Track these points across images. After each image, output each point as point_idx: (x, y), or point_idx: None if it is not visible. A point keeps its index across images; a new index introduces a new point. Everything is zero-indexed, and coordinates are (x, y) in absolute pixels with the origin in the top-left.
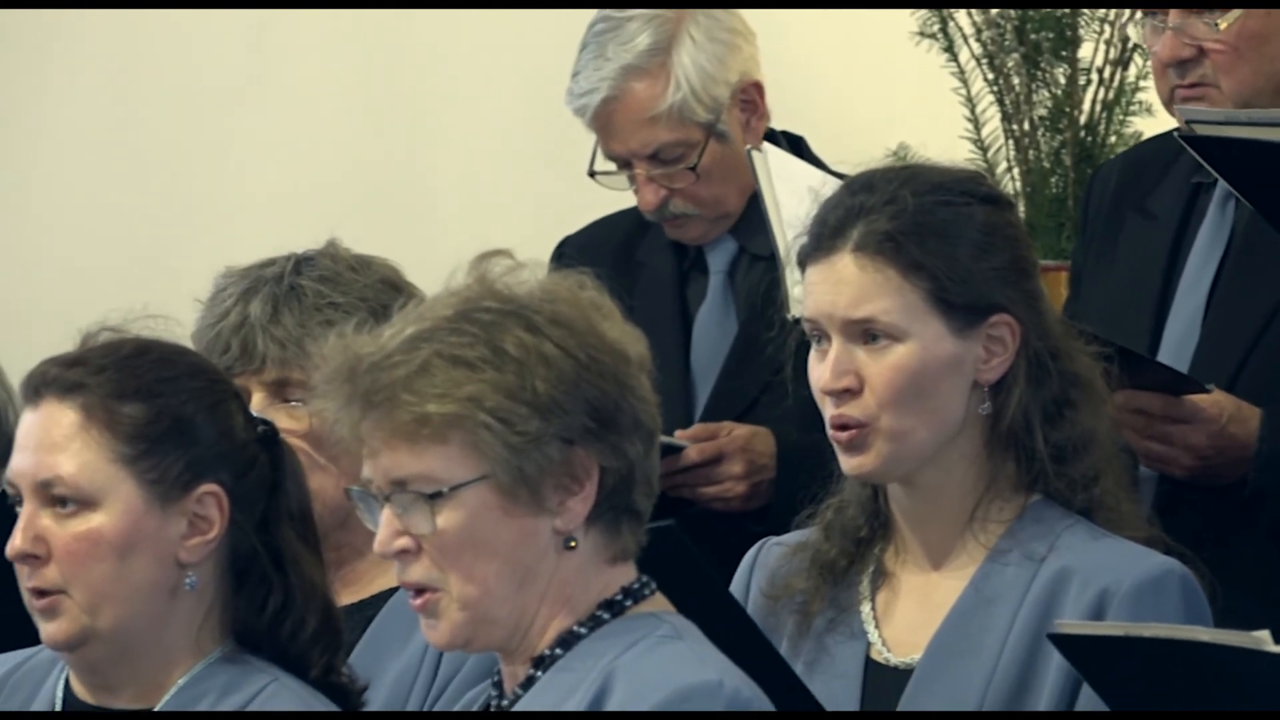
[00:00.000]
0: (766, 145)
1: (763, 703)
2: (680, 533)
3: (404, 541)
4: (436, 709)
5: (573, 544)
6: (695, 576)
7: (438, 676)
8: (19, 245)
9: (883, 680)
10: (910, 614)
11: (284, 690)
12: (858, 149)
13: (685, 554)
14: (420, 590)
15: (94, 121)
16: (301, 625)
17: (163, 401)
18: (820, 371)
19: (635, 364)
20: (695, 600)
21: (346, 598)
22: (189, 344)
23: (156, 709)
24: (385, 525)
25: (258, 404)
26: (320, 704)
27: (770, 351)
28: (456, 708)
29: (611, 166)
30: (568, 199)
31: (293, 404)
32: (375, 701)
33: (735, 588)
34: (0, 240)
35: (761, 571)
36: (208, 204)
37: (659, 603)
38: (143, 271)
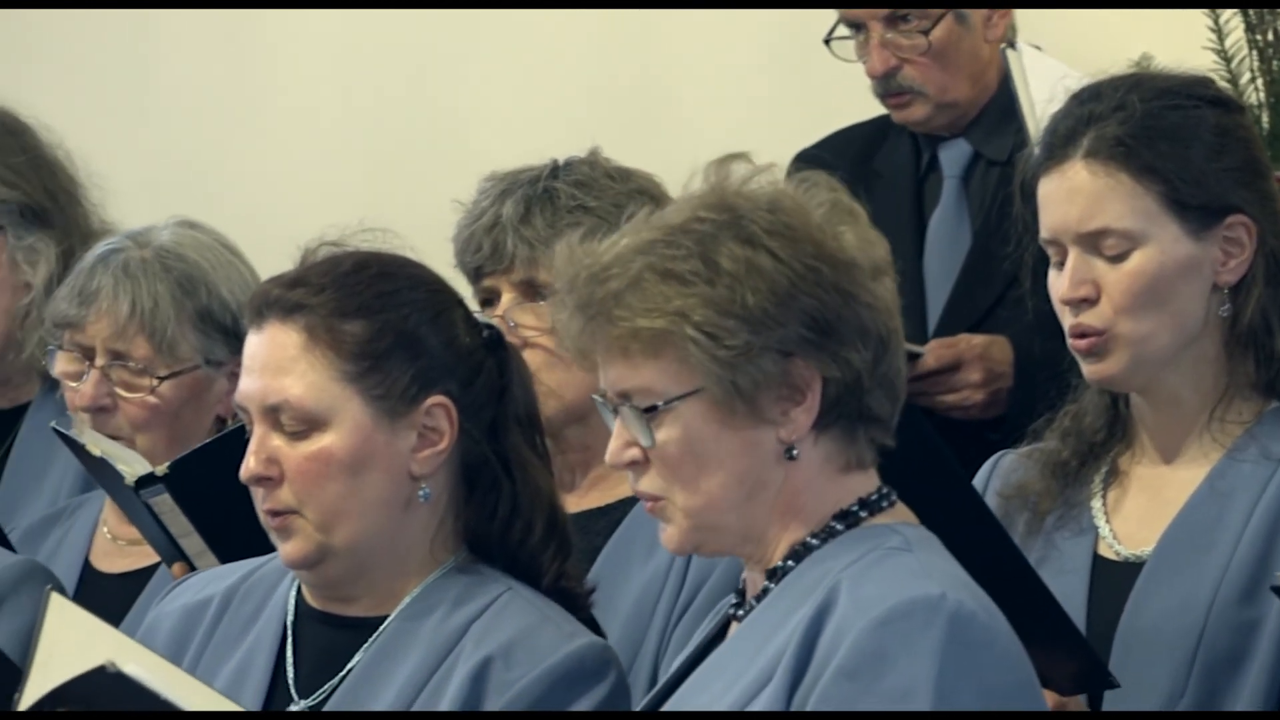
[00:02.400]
0: (1021, 44)
1: (988, 616)
2: (916, 409)
3: (633, 453)
4: (686, 618)
5: (794, 454)
6: (929, 453)
7: (685, 585)
8: (258, 159)
9: (1111, 575)
10: (1142, 508)
11: (517, 599)
12: (1099, 60)
13: (920, 430)
14: (651, 498)
15: (331, 28)
16: (529, 530)
17: (384, 317)
18: (1059, 282)
19: (866, 270)
20: (928, 479)
21: (592, 501)
22: (437, 250)
23: (390, 617)
24: (616, 436)
25: (506, 303)
26: (553, 612)
27: (1006, 267)
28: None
29: (847, 34)
30: (806, 111)
31: (540, 303)
32: (623, 608)
33: None
34: (239, 155)
35: (997, 478)
36: (450, 109)
37: (898, 514)
38: (384, 184)
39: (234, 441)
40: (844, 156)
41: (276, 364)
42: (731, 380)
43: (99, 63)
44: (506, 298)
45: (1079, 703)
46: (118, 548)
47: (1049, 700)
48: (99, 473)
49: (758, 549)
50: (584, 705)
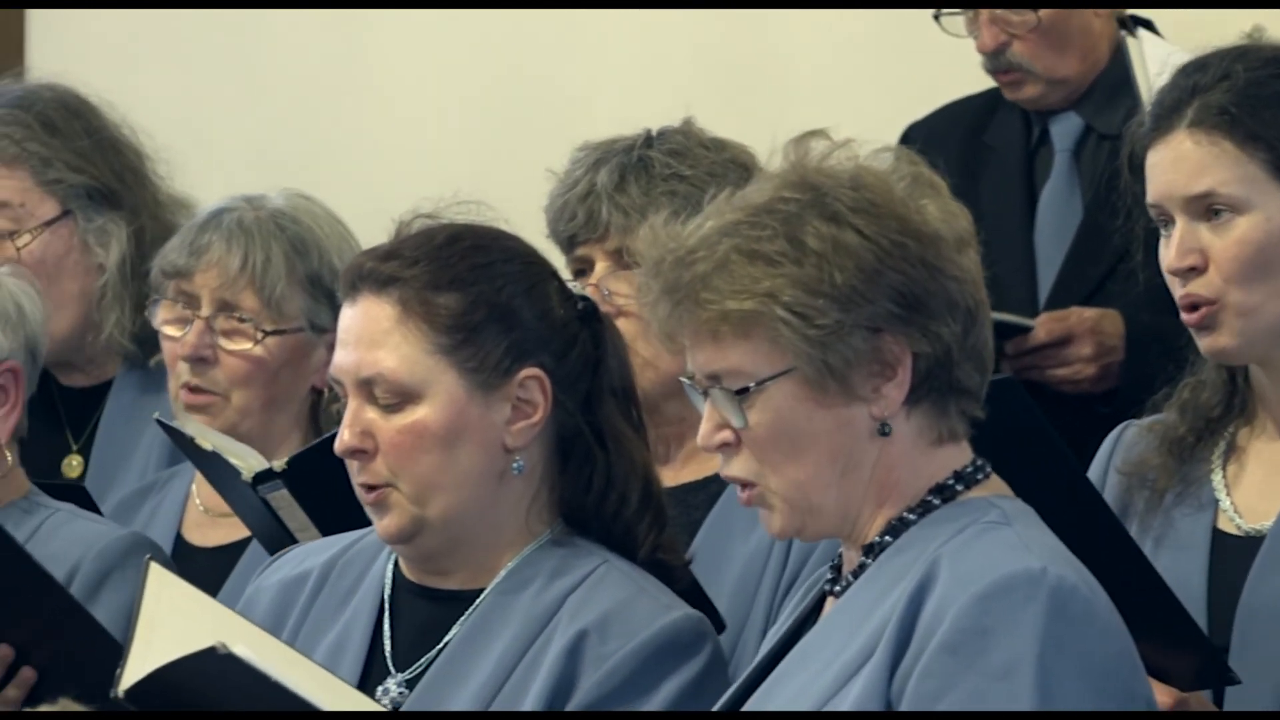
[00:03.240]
0: (1142, 31)
1: (1090, 589)
2: (1019, 385)
3: (724, 435)
4: (792, 594)
5: (887, 430)
6: (1033, 429)
7: (790, 558)
8: (367, 126)
9: (1230, 550)
10: (1261, 481)
11: (613, 572)
12: (1211, 33)
13: (1024, 406)
14: (745, 484)
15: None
16: (624, 502)
17: (478, 289)
18: (1166, 252)
19: (952, 243)
20: (1031, 455)
21: (689, 474)
22: (503, 228)
23: (487, 590)
24: (706, 420)
25: (599, 272)
26: (649, 584)
27: (1117, 241)
28: (800, 593)
29: (956, 10)
30: (917, 84)
31: (634, 271)
32: (726, 583)
33: (1095, 468)
34: (344, 132)
35: (1120, 451)
36: (561, 81)
37: (993, 486)
38: (487, 152)
39: None
40: (955, 130)
41: (370, 337)
42: (823, 359)
43: (210, 42)
44: (600, 266)
45: (1201, 700)
46: (210, 519)
47: (1167, 697)
48: (207, 466)
49: (854, 527)
50: (679, 679)
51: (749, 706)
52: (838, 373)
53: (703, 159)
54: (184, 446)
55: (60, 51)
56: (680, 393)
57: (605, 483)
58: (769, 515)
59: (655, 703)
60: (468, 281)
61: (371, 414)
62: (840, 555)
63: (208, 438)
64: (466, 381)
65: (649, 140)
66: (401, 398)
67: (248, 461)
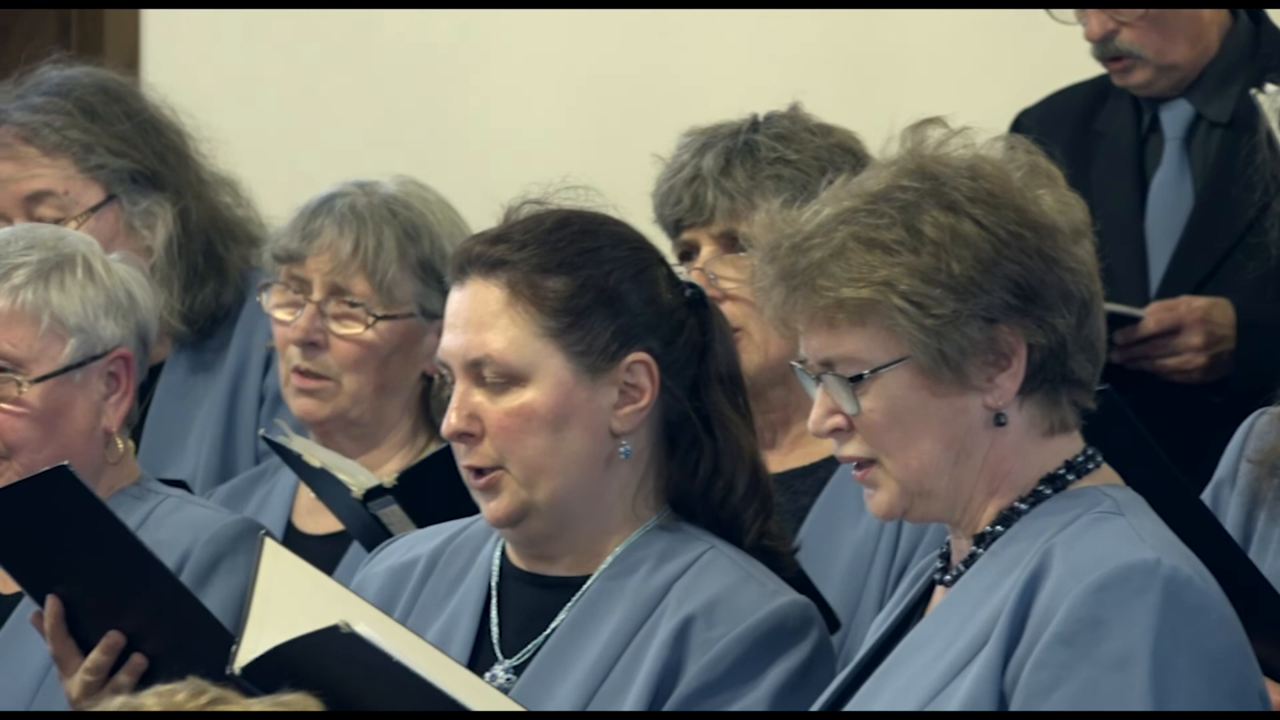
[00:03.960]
0: (1270, 87)
1: (1204, 581)
2: (1116, 395)
3: (836, 420)
4: (901, 581)
5: (1003, 420)
6: (1132, 439)
7: (900, 543)
8: (479, 112)
9: None
10: None
11: (719, 558)
12: None
13: (1122, 417)
14: (861, 464)
15: None
16: (731, 488)
17: (586, 273)
18: None
19: (1068, 234)
20: (1133, 464)
21: (796, 460)
22: (611, 214)
23: (593, 576)
24: (819, 404)
25: (705, 256)
26: (757, 570)
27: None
28: (908, 581)
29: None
30: (1027, 71)
31: (740, 255)
32: (836, 569)
33: (1228, 457)
34: (458, 115)
35: (1253, 439)
36: (670, 68)
37: (1104, 475)
38: (609, 135)
39: None
40: (1065, 117)
41: (479, 320)
42: (938, 348)
43: (324, 30)
44: (706, 250)
45: None
46: (320, 506)
47: None
48: (316, 482)
49: (964, 515)
50: (785, 665)
51: (858, 697)
52: (952, 362)
53: (809, 144)
54: (291, 463)
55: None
56: (786, 378)
57: (712, 469)
58: (874, 494)
59: (761, 688)
60: (576, 265)
61: (479, 397)
62: (949, 543)
63: (315, 454)
64: (574, 365)
65: (755, 125)
66: (509, 380)
67: (357, 478)
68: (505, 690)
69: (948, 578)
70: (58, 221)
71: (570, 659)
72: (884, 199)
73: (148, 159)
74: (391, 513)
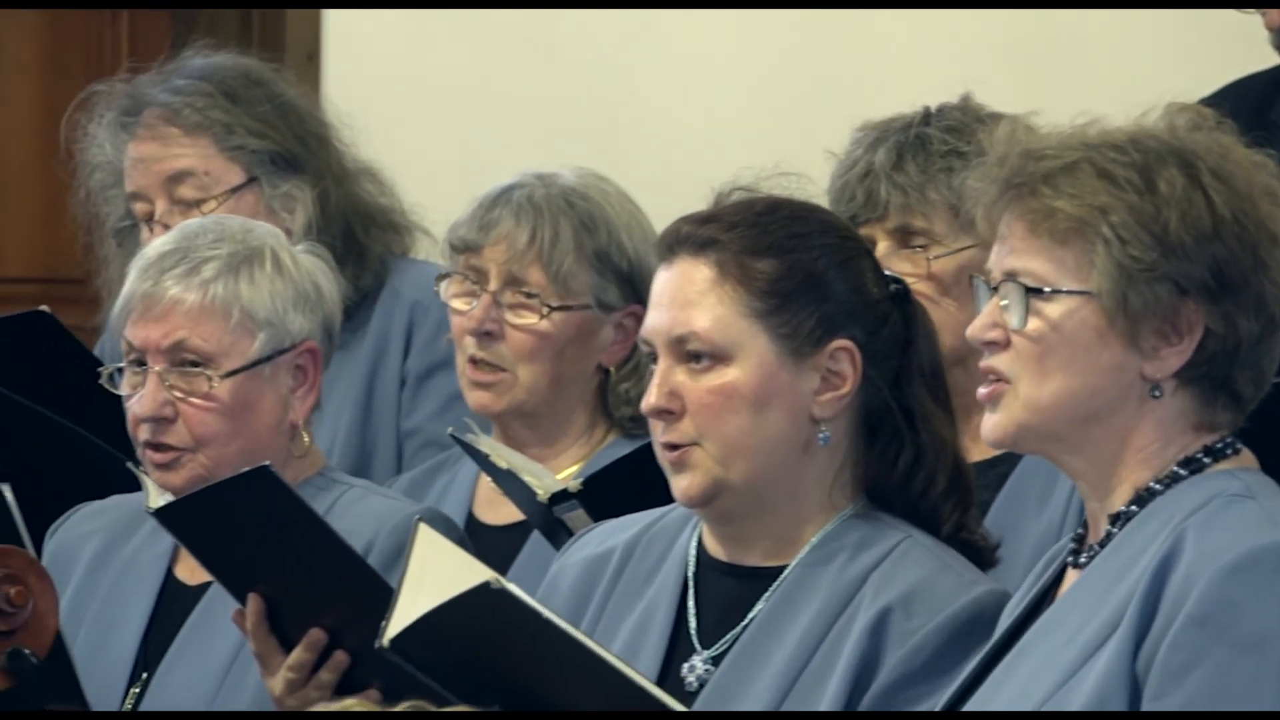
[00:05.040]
0: None
1: None
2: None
3: (996, 333)
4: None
5: (1158, 394)
6: None
7: None
8: (657, 105)
9: None
10: None
11: (916, 547)
12: None
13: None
14: (994, 381)
15: None
16: (932, 482)
17: (795, 257)
18: None
19: None
20: None
21: (977, 454)
22: (821, 202)
23: (790, 565)
24: (985, 314)
25: (880, 252)
26: (954, 560)
27: None
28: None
29: None
30: (1208, 61)
31: (914, 250)
32: (1018, 564)
33: None
34: (638, 107)
35: None
36: (843, 61)
37: (1242, 459)
38: (784, 128)
39: (645, 456)
40: (1241, 107)
41: (685, 297)
42: (1124, 292)
43: (504, 21)
44: (881, 245)
45: None
46: (501, 497)
47: None
48: (504, 483)
49: (1100, 482)
50: (983, 655)
51: (989, 682)
52: (1132, 313)
53: (980, 135)
54: (479, 461)
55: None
56: (963, 363)
57: (913, 461)
58: (992, 417)
59: (960, 679)
60: (785, 249)
61: (681, 376)
62: (1084, 526)
63: (502, 455)
64: (778, 347)
65: (927, 118)
66: (713, 358)
67: (543, 481)
68: (704, 682)
69: (1081, 560)
70: (197, 202)
71: (768, 650)
72: (1131, 142)
73: (288, 142)
74: (576, 516)
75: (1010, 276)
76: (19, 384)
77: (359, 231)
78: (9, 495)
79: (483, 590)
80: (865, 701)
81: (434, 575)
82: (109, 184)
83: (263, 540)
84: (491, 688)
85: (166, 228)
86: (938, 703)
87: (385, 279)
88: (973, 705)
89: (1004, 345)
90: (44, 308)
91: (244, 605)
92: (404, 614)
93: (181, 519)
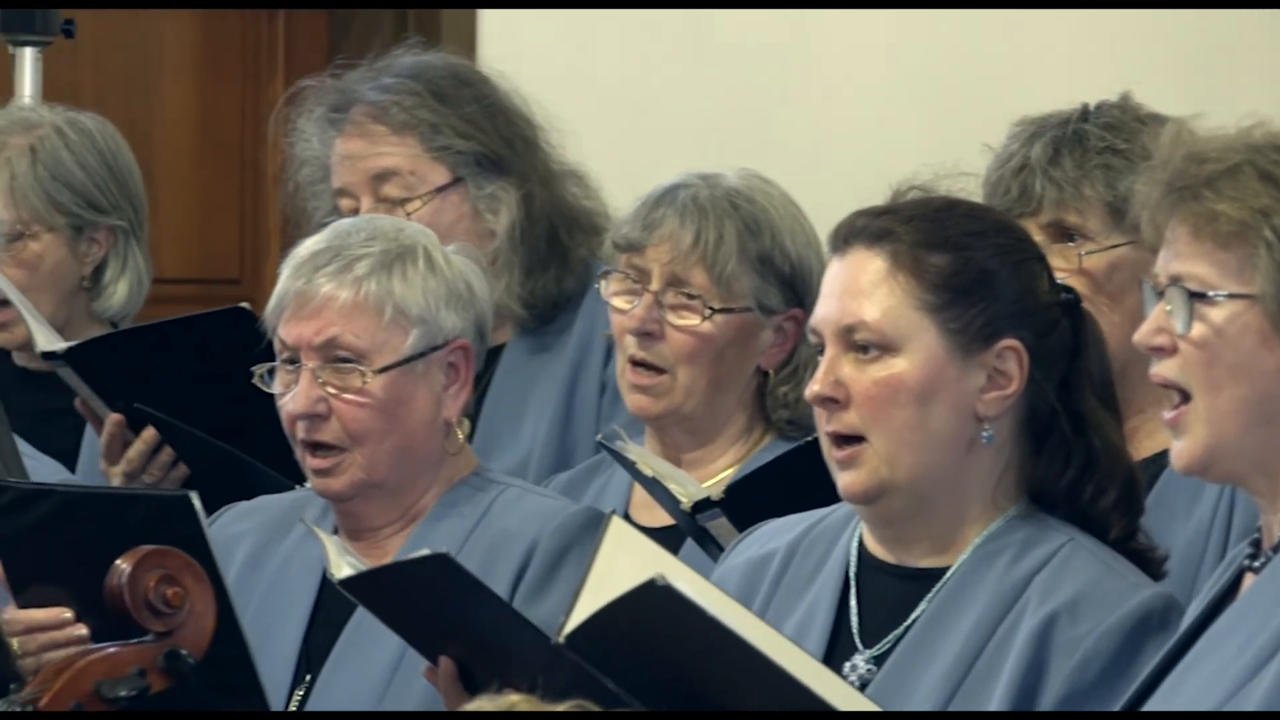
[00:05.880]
0: None
1: None
2: None
3: (1162, 338)
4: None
5: None
6: None
7: (1230, 539)
8: (814, 104)
9: None
10: None
11: (1080, 550)
12: None
13: None
14: (1180, 400)
15: None
16: (1103, 492)
17: (968, 254)
18: None
19: None
20: None
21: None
22: (977, 198)
23: (953, 566)
24: (1152, 318)
25: None
26: (1118, 564)
27: None
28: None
29: None
30: None
31: (1068, 245)
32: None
33: None
34: (793, 105)
35: None
36: (1001, 59)
37: None
38: (941, 128)
39: (789, 463)
40: None
41: (857, 287)
42: None
43: (662, 21)
44: (1035, 240)
45: None
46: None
47: None
48: (652, 490)
49: (1272, 487)
50: (1152, 658)
51: (1163, 688)
52: None
53: (1139, 133)
54: (628, 469)
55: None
56: (1121, 370)
57: (1083, 468)
58: (1180, 443)
59: (1137, 682)
60: (960, 245)
61: (847, 366)
62: (1260, 530)
63: (649, 463)
64: (947, 342)
65: (1085, 114)
66: (881, 349)
67: (687, 489)
68: (866, 682)
69: (1257, 564)
70: (402, 201)
71: (932, 652)
72: None
73: (494, 143)
74: (720, 525)
75: (1175, 281)
76: (217, 379)
77: (563, 234)
78: (198, 504)
79: (649, 588)
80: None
81: (620, 573)
82: (317, 179)
83: (445, 614)
84: (664, 686)
85: None
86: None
87: (588, 282)
88: (1151, 708)
89: (1170, 351)
90: (244, 304)
91: (431, 662)
92: (581, 611)
93: (366, 589)
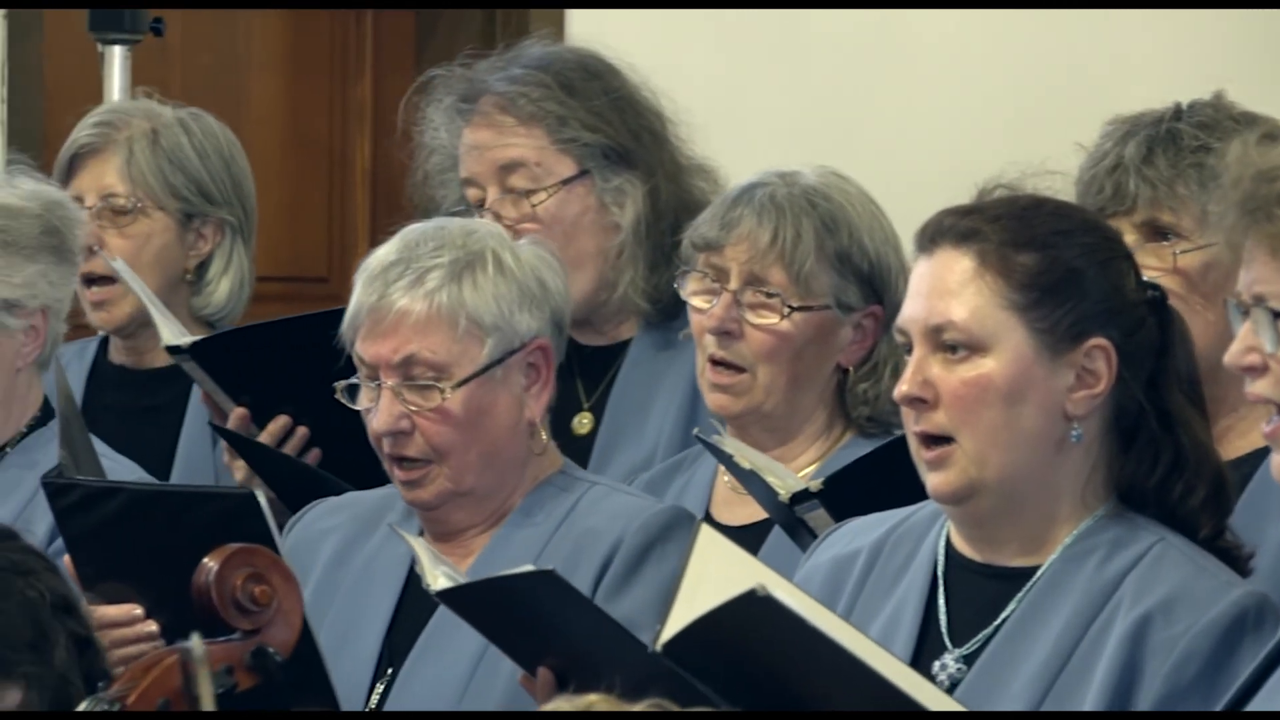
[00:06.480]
0: None
1: None
2: None
3: (1252, 358)
4: None
5: None
6: None
7: None
8: (904, 103)
9: None
10: None
11: (1171, 550)
12: None
13: None
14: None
15: None
16: (1192, 490)
17: (1056, 253)
18: None
19: None
20: None
21: (1222, 453)
22: (1069, 196)
23: (1043, 566)
24: (1240, 338)
25: (1129, 245)
26: (1209, 563)
27: None
28: None
29: None
30: None
31: (1162, 244)
32: (1262, 568)
33: None
34: (883, 103)
35: None
36: (1093, 57)
37: None
38: (1027, 125)
39: (886, 455)
40: None
41: (944, 287)
42: None
43: (750, 21)
44: (1128, 239)
45: None
46: (738, 498)
47: None
48: (748, 483)
49: None
50: (1248, 657)
51: (1267, 688)
52: None
53: (1232, 133)
54: (724, 462)
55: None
56: (1213, 371)
57: (1171, 466)
58: (1277, 456)
59: (1232, 689)
60: (1047, 244)
61: (935, 366)
62: None
63: (746, 455)
64: (1035, 341)
65: (1178, 113)
66: (969, 349)
67: (785, 482)
68: (956, 682)
69: None
70: (528, 192)
71: (1023, 652)
72: None
73: (621, 136)
74: (817, 516)
75: (1259, 301)
76: (321, 379)
77: (688, 228)
78: (263, 501)
79: (749, 598)
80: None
81: (712, 580)
82: (445, 167)
83: (544, 626)
84: (760, 692)
85: (497, 216)
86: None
87: None
88: (1255, 708)
89: (1262, 370)
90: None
91: (528, 671)
92: (677, 619)
93: (463, 600)
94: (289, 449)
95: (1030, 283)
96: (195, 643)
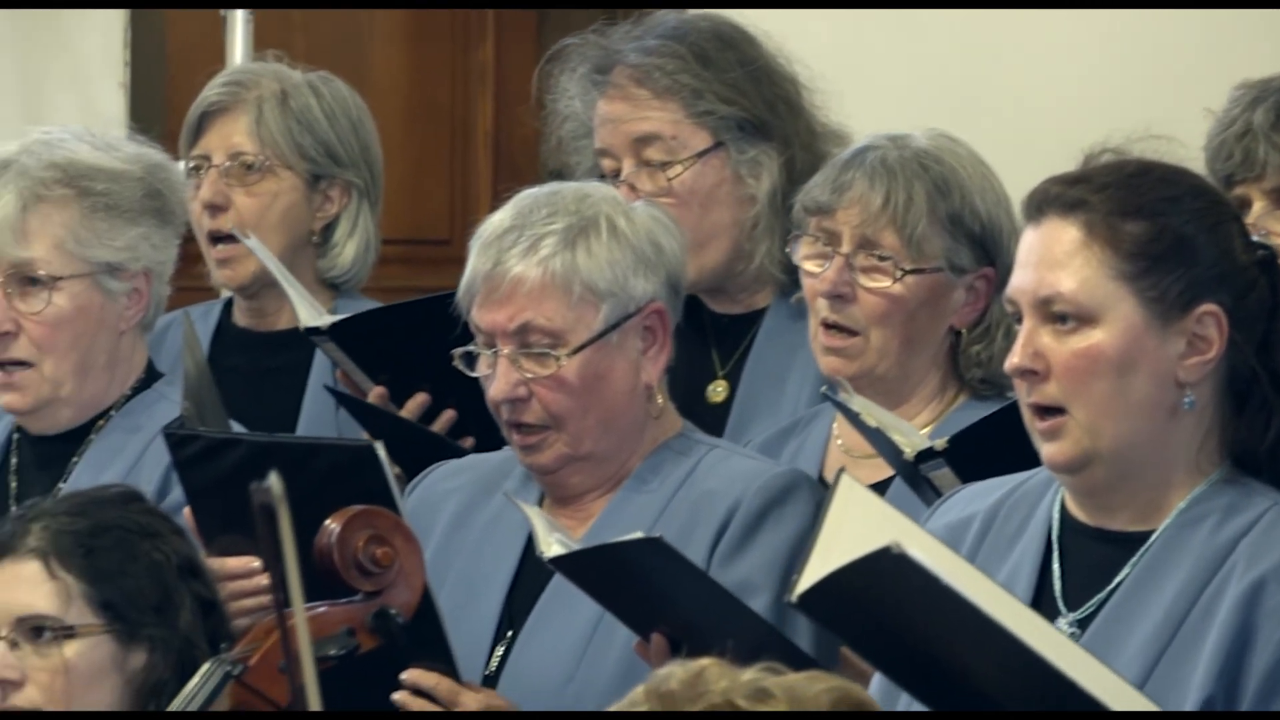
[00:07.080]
0: None
1: None
2: None
3: None
4: None
5: None
6: None
7: None
8: (1020, 66)
9: None
10: None
11: None
12: None
13: None
14: None
15: None
16: None
17: (1164, 220)
18: None
19: None
20: None
21: None
22: (1192, 166)
23: (1158, 530)
24: None
25: (1256, 212)
26: None
27: None
28: None
29: None
30: None
31: None
32: None
33: None
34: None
35: None
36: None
37: None
38: (1149, 89)
39: (1010, 416)
40: None
41: (1053, 258)
42: None
43: None
44: (1257, 205)
45: None
46: (852, 460)
47: None
48: (874, 440)
49: None
50: None
51: None
52: None
53: None
54: (851, 419)
55: None
56: None
57: None
58: None
59: None
60: (1155, 212)
61: (1046, 337)
62: None
63: (873, 414)
64: (1145, 310)
65: None
66: (1078, 320)
67: (910, 440)
68: None
69: None
70: (662, 165)
71: (1137, 615)
72: None
73: (757, 108)
74: (942, 475)
75: None
76: (440, 357)
77: (799, 192)
78: (382, 454)
79: (883, 555)
80: (1254, 682)
81: (850, 529)
82: (579, 134)
83: (656, 592)
84: (892, 645)
85: (633, 188)
86: None
87: None
88: None
89: None
90: None
91: (643, 637)
92: (814, 570)
93: (576, 567)
94: (437, 427)
95: (1139, 252)
96: (273, 480)
